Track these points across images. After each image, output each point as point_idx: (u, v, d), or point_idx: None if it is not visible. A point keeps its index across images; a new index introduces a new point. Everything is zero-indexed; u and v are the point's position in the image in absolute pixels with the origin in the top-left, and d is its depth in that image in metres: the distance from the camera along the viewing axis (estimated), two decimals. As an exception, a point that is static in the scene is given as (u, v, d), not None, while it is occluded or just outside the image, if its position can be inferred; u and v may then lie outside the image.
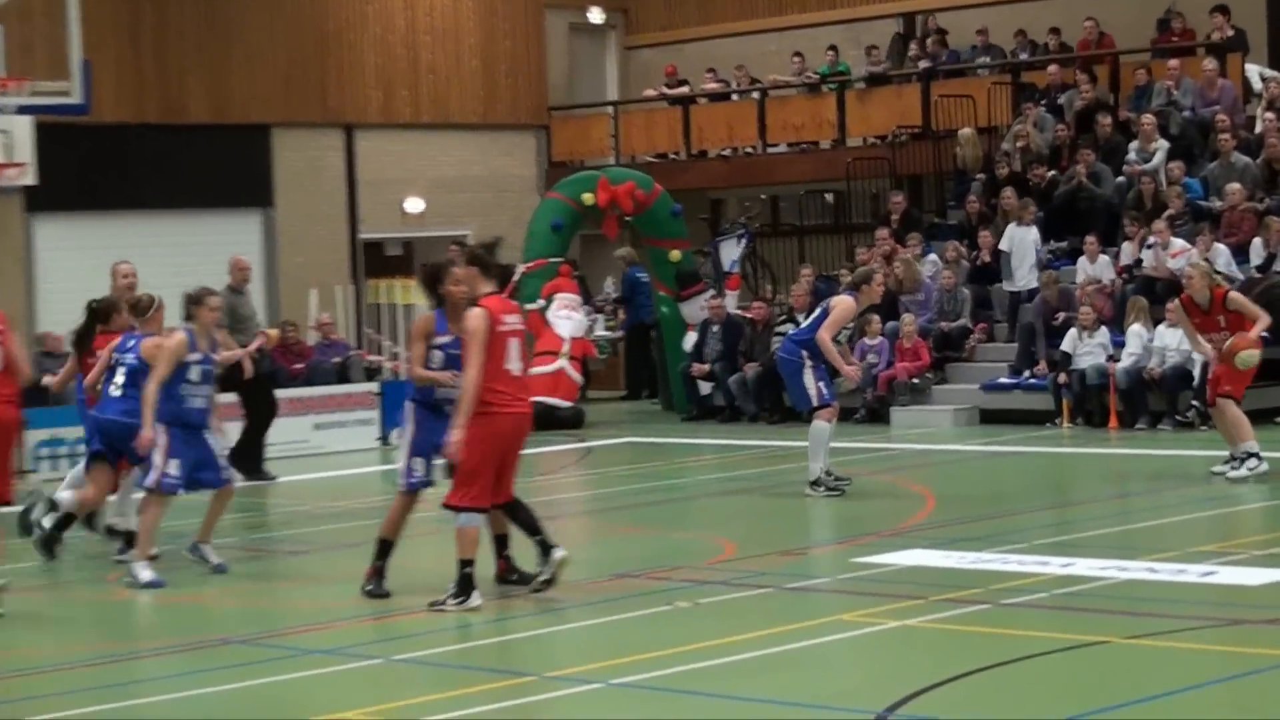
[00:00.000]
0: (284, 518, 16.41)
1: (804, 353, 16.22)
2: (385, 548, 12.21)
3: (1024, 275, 23.55)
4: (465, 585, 11.51)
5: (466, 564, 11.49)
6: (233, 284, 19.36)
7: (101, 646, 11.63)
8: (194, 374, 13.19)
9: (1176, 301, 16.49)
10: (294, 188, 28.51)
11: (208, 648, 10.99)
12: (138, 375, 13.42)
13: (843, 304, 16.38)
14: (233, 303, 18.82)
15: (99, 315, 14.68)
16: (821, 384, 16.26)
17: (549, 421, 23.91)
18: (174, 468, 13.11)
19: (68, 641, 11.80)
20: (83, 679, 10.35)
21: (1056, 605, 11.10)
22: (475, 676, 10.01)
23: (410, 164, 29.86)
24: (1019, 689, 9.31)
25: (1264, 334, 16.09)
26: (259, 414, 19.60)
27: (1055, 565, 12.33)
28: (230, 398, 17.93)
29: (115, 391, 13.65)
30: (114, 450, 13.75)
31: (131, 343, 13.76)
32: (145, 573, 13.10)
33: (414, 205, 29.89)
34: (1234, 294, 16.10)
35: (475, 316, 11.37)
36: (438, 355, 12.10)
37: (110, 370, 13.82)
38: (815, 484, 16.19)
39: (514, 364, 11.52)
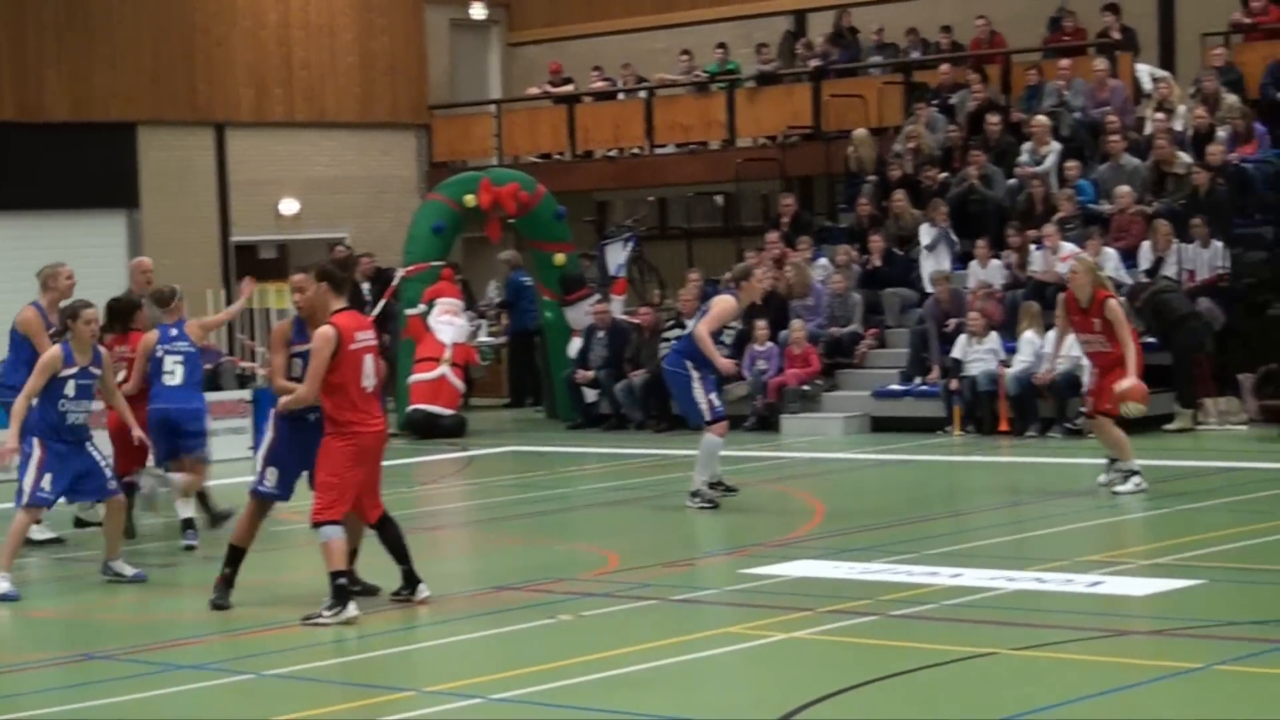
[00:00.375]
0: (148, 529, 15.91)
1: (689, 364, 15.84)
2: (235, 555, 12.11)
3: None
4: (340, 596, 11.44)
5: (338, 575, 11.46)
6: (134, 288, 18.61)
7: None
8: (70, 389, 13.02)
9: (1060, 297, 16.24)
10: (161, 188, 27.96)
11: (73, 663, 10.76)
12: (195, 361, 14.71)
13: (722, 301, 16.07)
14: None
15: (120, 315, 15.42)
16: (712, 396, 15.89)
17: (430, 430, 23.51)
18: (46, 482, 12.97)
19: None
20: None
21: (945, 616, 11.07)
22: (354, 692, 9.86)
23: (284, 164, 29.37)
24: (907, 701, 9.26)
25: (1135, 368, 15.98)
26: None
27: (944, 576, 12.33)
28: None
29: (173, 381, 14.71)
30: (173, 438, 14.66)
31: (174, 332, 14.87)
32: (2, 584, 12.88)
33: (289, 207, 29.37)
34: (1114, 304, 15.78)
35: (322, 336, 11.47)
36: (298, 364, 11.92)
37: (157, 363, 14.70)
38: (695, 495, 15.84)
39: (368, 380, 11.62)
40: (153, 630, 11.86)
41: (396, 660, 10.71)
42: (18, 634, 12.27)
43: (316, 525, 11.52)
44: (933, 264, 23.38)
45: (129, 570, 13.45)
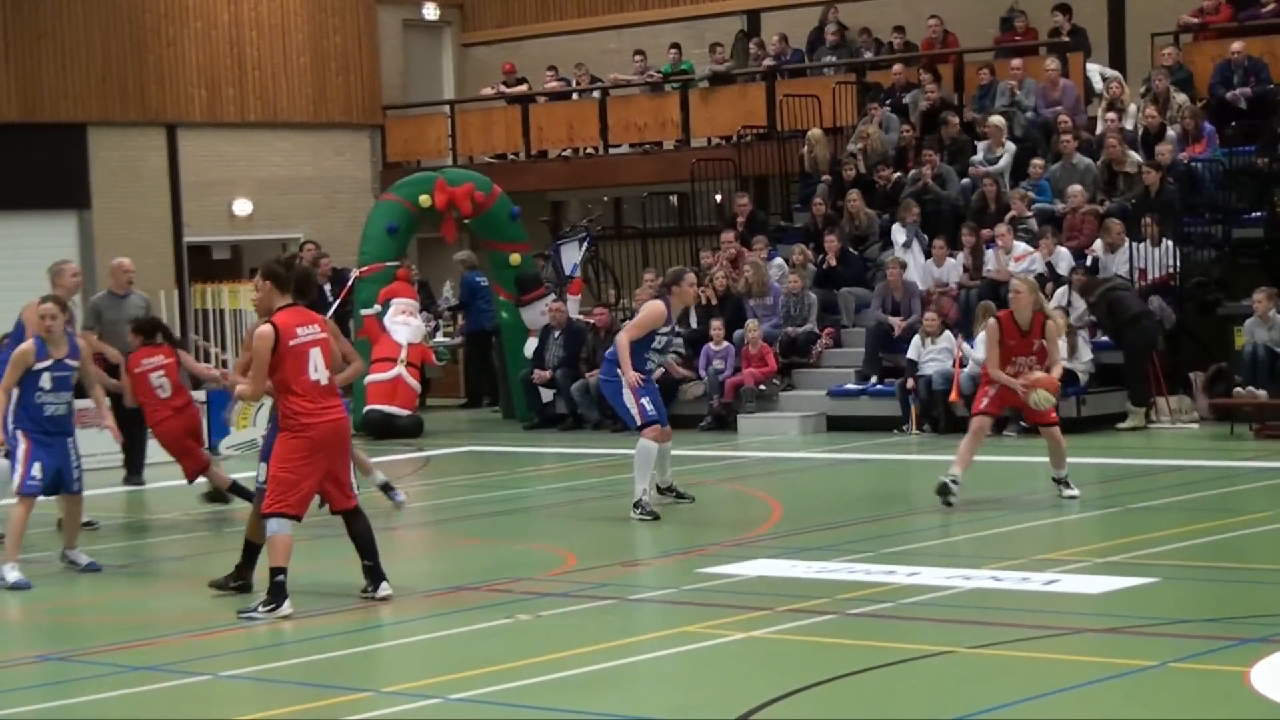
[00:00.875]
0: (102, 532, 15.87)
1: (619, 370, 15.74)
2: (251, 551, 12.44)
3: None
4: (277, 593, 11.56)
5: (278, 571, 11.61)
6: (113, 288, 18.56)
7: None
8: (45, 381, 13.40)
9: (992, 321, 15.50)
10: (112, 189, 27.79)
11: (22, 665, 10.69)
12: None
13: (649, 307, 15.85)
14: (102, 307, 18.26)
15: (147, 330, 16.55)
16: (645, 400, 15.63)
17: (386, 430, 23.46)
18: (36, 470, 13.41)
19: None
20: None
21: (902, 615, 11.09)
22: (311, 692, 9.76)
23: (237, 165, 29.27)
24: (865, 700, 9.26)
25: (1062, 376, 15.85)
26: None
27: (901, 574, 12.33)
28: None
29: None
30: None
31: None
32: (12, 574, 13.20)
33: (242, 207, 29.26)
34: (1051, 325, 15.59)
35: (260, 334, 11.70)
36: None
37: None
38: (636, 505, 15.64)
39: (317, 374, 11.70)
40: (117, 630, 11.81)
41: (355, 660, 10.64)
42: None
43: (264, 518, 11.66)
44: (911, 263, 23.33)
45: (83, 560, 13.79)
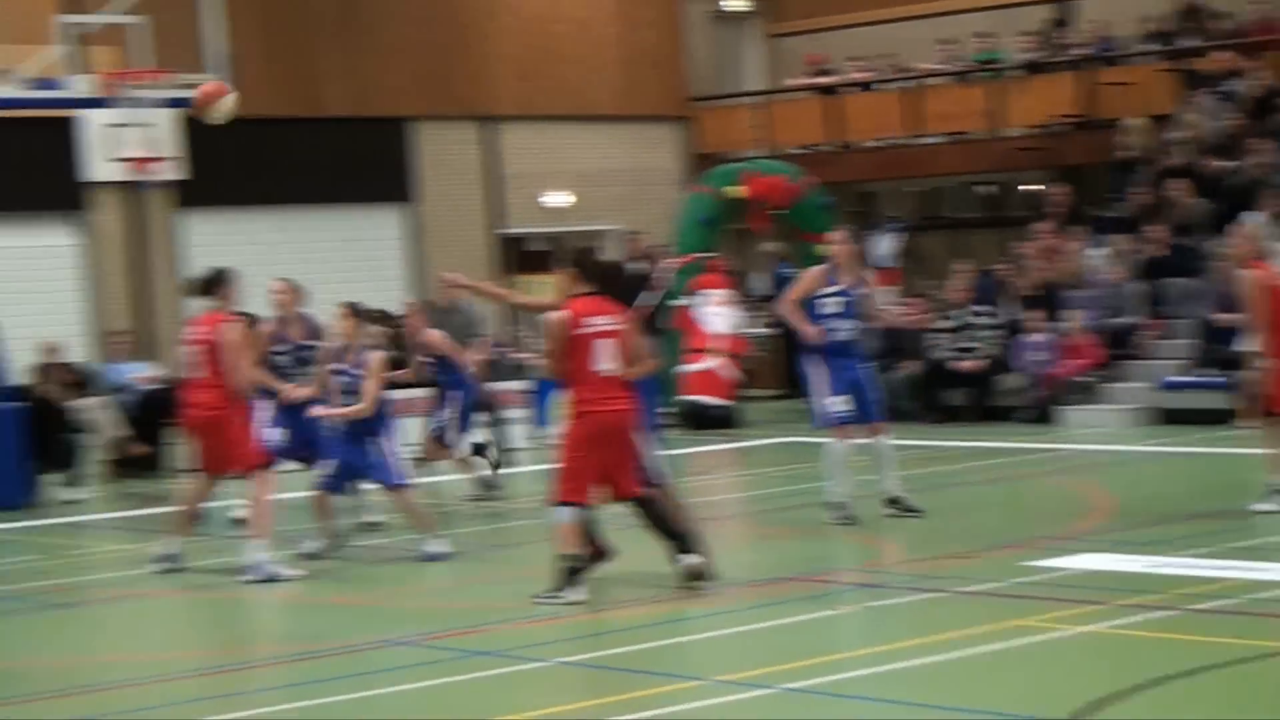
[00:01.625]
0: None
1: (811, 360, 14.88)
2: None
3: None
4: (567, 579, 11.62)
5: (564, 559, 11.65)
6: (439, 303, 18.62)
7: (271, 649, 11.61)
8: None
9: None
10: (434, 182, 28.26)
11: (371, 649, 10.85)
12: None
13: (807, 273, 15.20)
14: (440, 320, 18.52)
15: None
16: (832, 398, 14.74)
17: (702, 421, 23.46)
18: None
19: (245, 642, 12.01)
20: (263, 678, 10.52)
21: (1248, 611, 10.66)
22: (644, 680, 9.73)
23: (551, 157, 29.53)
24: (1213, 698, 8.88)
25: None
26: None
27: (1244, 570, 11.83)
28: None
29: None
30: None
31: None
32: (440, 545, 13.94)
33: (557, 199, 29.53)
34: None
35: (550, 321, 11.74)
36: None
37: None
38: (831, 507, 14.89)
39: (605, 365, 11.69)
40: (439, 618, 11.89)
41: (683, 649, 10.63)
42: (319, 620, 12.44)
43: (553, 506, 11.76)
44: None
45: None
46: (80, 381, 21.16)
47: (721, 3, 32.17)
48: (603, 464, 11.71)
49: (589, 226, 28.69)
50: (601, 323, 11.73)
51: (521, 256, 29.46)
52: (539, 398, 21.00)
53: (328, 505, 14.08)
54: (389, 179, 27.94)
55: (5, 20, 21.03)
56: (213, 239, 25.38)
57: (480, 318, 18.87)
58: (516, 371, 23.70)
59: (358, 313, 14.09)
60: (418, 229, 27.98)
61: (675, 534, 11.98)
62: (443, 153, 28.52)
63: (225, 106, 15.02)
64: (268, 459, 13.81)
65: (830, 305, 14.80)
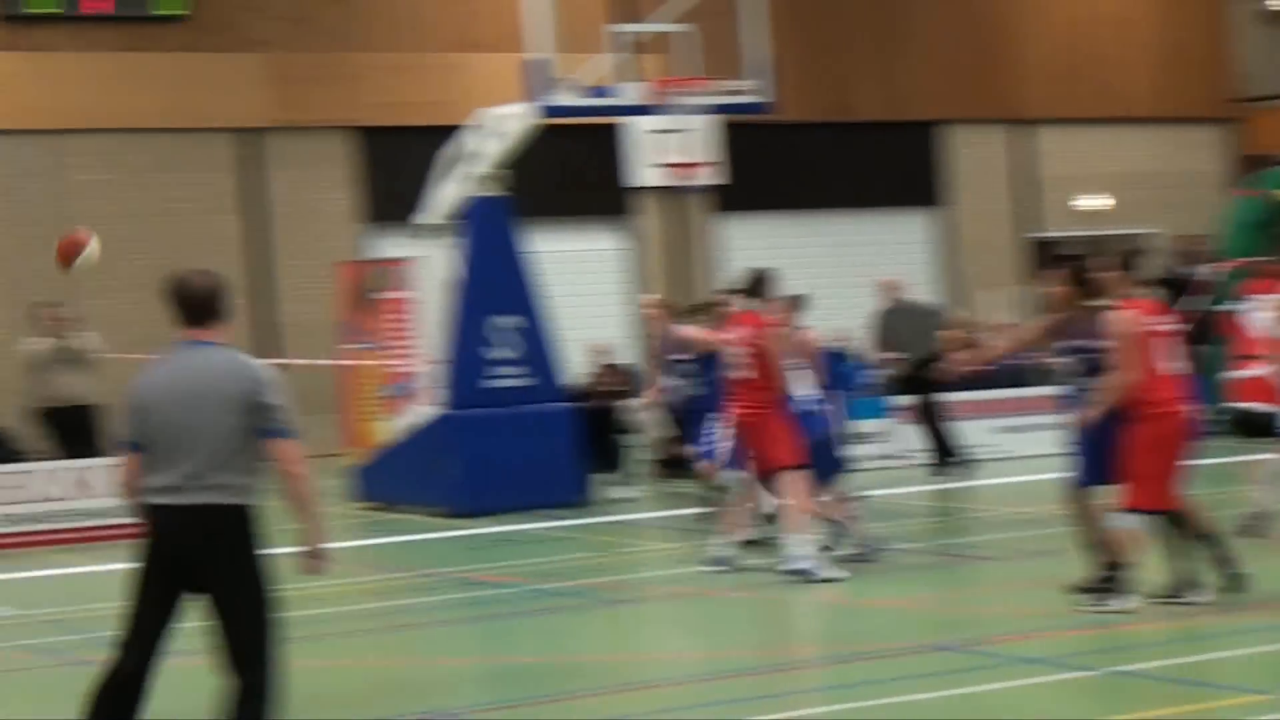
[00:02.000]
0: (965, 523, 16.03)
1: None
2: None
3: None
4: (1110, 587, 11.32)
5: (1115, 566, 11.34)
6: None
7: (812, 650, 11.75)
8: None
9: None
10: (963, 186, 28.10)
11: (911, 653, 10.81)
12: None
13: None
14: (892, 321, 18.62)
15: None
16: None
17: (1250, 428, 22.58)
18: None
19: (786, 642, 12.08)
20: (803, 680, 10.57)
21: None
22: (1201, 693, 9.44)
23: (1085, 160, 29.02)
24: None
25: None
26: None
27: None
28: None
29: None
30: None
31: None
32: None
33: (1091, 202, 28.99)
34: None
35: (1117, 319, 11.38)
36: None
37: None
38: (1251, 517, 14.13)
39: (1169, 364, 11.43)
40: (981, 624, 11.84)
41: (1242, 663, 10.23)
42: (859, 622, 12.50)
43: (1123, 511, 11.37)
44: None
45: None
46: (627, 382, 21.74)
47: (1267, 2, 31.06)
48: (1173, 467, 11.40)
49: (1125, 230, 28.08)
50: (1158, 322, 11.55)
51: (1053, 261, 29.04)
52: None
53: (847, 509, 14.16)
54: (918, 183, 27.93)
55: (560, 29, 21.78)
56: (748, 242, 25.84)
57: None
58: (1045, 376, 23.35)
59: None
60: (946, 233, 27.87)
61: (1214, 543, 11.66)
62: (973, 156, 28.36)
63: (89, 258, 13.99)
64: (803, 459, 13.85)
65: None
